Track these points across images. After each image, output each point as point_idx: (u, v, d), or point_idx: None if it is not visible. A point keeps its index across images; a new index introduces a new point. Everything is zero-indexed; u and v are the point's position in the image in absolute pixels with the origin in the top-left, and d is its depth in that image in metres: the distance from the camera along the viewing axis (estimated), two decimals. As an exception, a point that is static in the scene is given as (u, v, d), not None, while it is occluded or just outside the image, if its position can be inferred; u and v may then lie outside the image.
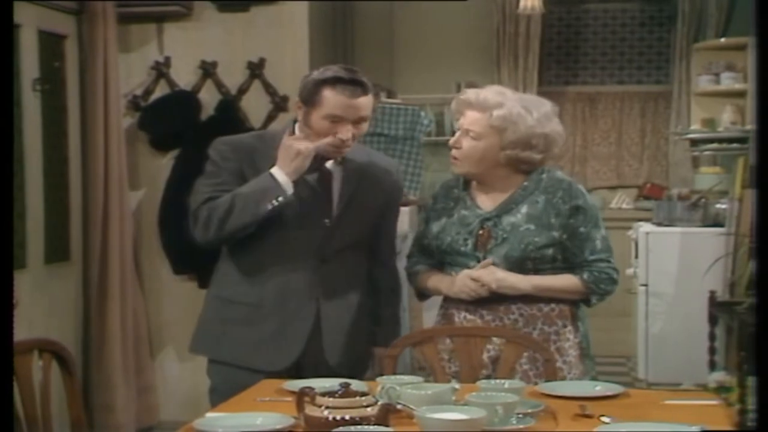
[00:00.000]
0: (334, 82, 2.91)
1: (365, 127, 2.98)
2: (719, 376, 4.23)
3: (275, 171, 2.90)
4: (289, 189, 2.89)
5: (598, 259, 2.98)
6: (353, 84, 2.91)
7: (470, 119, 2.98)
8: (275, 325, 3.00)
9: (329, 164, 3.04)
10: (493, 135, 2.94)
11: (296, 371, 2.94)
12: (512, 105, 2.96)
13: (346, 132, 2.92)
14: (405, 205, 6.52)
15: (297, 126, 3.05)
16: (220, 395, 2.90)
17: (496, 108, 2.94)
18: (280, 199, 2.88)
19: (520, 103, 2.99)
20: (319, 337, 3.02)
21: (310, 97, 2.93)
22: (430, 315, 6.71)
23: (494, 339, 2.94)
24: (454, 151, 3.02)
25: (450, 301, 3.06)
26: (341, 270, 3.06)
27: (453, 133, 3.08)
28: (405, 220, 6.37)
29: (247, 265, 3.05)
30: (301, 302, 3.01)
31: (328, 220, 3.01)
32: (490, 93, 2.99)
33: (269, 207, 2.88)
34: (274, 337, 2.99)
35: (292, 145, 2.89)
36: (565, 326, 3.01)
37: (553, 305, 2.99)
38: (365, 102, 2.94)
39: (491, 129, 2.94)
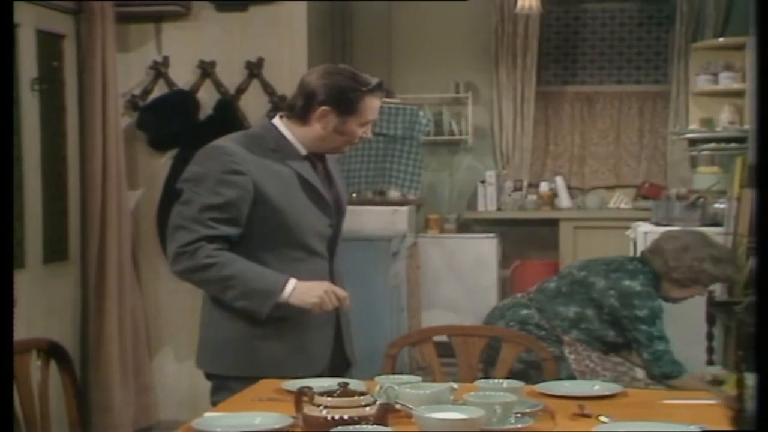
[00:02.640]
0: (374, 90, 2.91)
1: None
2: (715, 370, 4.23)
3: (291, 284, 2.82)
4: (290, 299, 2.81)
5: None
6: (381, 88, 2.94)
7: None
8: (303, 333, 2.91)
9: (319, 163, 3.02)
10: None
11: (331, 374, 2.87)
12: None
13: (368, 131, 2.96)
14: (404, 204, 6.53)
15: (281, 122, 2.95)
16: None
17: None
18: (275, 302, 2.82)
19: None
20: (341, 339, 3.01)
21: (349, 105, 2.87)
22: (428, 314, 6.73)
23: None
24: None
25: None
26: (341, 266, 3.08)
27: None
28: (404, 220, 6.37)
29: None
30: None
31: (332, 219, 3.01)
32: None
33: (266, 311, 2.82)
34: (303, 347, 2.92)
35: (324, 290, 2.82)
36: None
37: None
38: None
39: None
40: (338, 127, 2.89)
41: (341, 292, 2.85)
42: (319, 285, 2.84)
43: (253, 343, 2.90)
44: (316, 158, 3.00)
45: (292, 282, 2.82)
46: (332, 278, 2.99)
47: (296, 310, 2.84)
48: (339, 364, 2.97)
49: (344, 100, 2.86)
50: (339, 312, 2.98)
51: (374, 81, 2.91)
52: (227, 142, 2.93)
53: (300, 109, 2.91)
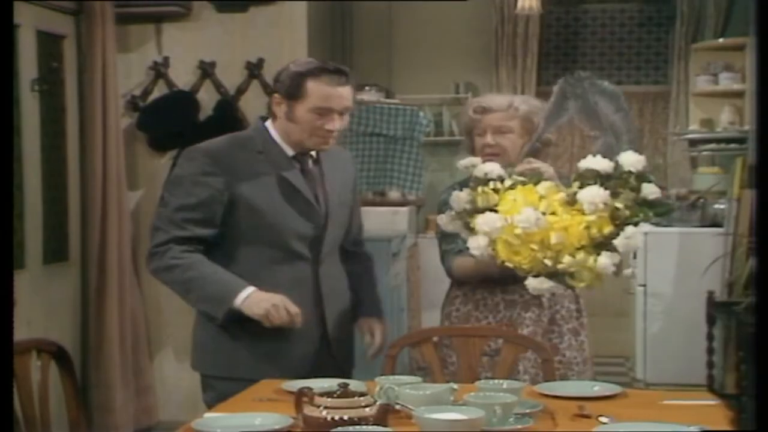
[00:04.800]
0: (318, 72, 2.85)
1: (347, 118, 2.94)
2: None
3: (246, 292, 2.81)
4: (241, 307, 2.81)
5: None
6: (337, 73, 2.87)
7: (496, 119, 3.16)
8: (286, 336, 2.90)
9: (310, 163, 2.99)
10: (522, 126, 3.16)
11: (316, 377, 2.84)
12: (524, 97, 3.30)
13: (333, 123, 2.87)
14: (404, 205, 6.53)
15: (271, 124, 2.97)
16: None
17: (514, 103, 3.18)
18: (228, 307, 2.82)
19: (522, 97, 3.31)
20: (328, 343, 2.99)
21: (293, 90, 2.85)
22: (428, 315, 6.72)
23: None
24: (489, 149, 3.14)
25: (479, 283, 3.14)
26: (334, 269, 3.05)
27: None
28: (404, 221, 6.38)
29: (246, 278, 2.91)
30: (306, 310, 2.90)
31: (317, 222, 2.96)
32: (496, 96, 3.30)
33: (221, 316, 2.85)
34: (287, 349, 2.92)
35: (273, 303, 2.79)
36: (582, 304, 3.22)
37: None
38: (349, 91, 2.90)
39: (519, 120, 3.16)
40: (288, 114, 2.89)
41: (293, 308, 2.80)
42: (271, 297, 2.80)
43: (233, 343, 2.93)
44: (307, 159, 2.98)
45: (248, 290, 2.82)
46: (317, 282, 2.96)
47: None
48: (327, 368, 2.90)
49: (289, 84, 2.87)
50: (326, 314, 2.97)
51: (323, 65, 2.88)
52: (210, 143, 2.97)
53: (268, 104, 3.00)
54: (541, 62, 7.91)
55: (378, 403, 2.19)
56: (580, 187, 2.74)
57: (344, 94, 2.88)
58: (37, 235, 4.80)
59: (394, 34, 7.86)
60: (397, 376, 2.61)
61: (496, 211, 2.76)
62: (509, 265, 2.77)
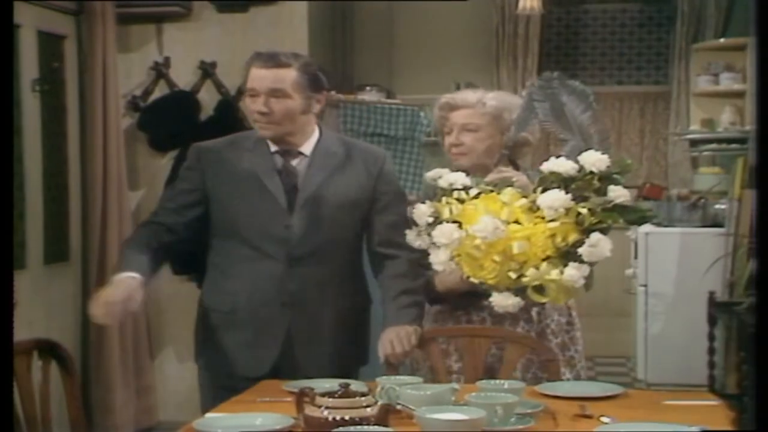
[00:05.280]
0: (254, 58, 2.95)
1: (290, 104, 2.89)
2: None
3: (112, 281, 2.80)
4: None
5: None
6: (268, 57, 2.93)
7: (462, 116, 3.01)
8: (248, 332, 2.95)
9: (295, 162, 2.96)
10: (491, 123, 2.98)
11: (276, 376, 2.86)
12: (496, 93, 3.06)
13: (256, 104, 2.90)
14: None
15: None
16: (206, 398, 2.94)
17: (484, 99, 3.00)
18: None
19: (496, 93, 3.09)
20: (291, 344, 2.95)
21: (243, 81, 2.97)
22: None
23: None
24: (456, 149, 3.02)
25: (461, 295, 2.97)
26: (316, 272, 2.95)
27: (437, 136, 3.08)
28: (404, 221, 6.37)
29: (219, 272, 3.02)
30: (271, 309, 2.93)
31: (285, 222, 2.92)
32: (467, 92, 3.09)
33: None
34: (248, 345, 2.95)
35: (99, 300, 2.75)
36: (575, 317, 3.06)
37: None
38: (278, 74, 2.89)
39: (488, 117, 2.98)
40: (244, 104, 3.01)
41: (95, 309, 2.72)
42: (107, 293, 2.75)
43: (209, 335, 3.02)
44: (291, 156, 2.96)
45: (114, 279, 2.80)
46: (289, 284, 2.92)
47: (227, 306, 2.97)
48: (287, 370, 2.89)
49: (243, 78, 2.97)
50: (292, 316, 2.93)
51: (263, 52, 2.97)
52: (210, 141, 3.09)
53: None
54: (542, 62, 7.90)
55: (379, 403, 2.19)
56: (543, 192, 2.57)
57: (270, 75, 2.90)
58: (38, 235, 4.80)
59: (394, 34, 7.86)
60: (398, 377, 2.61)
61: (460, 223, 2.60)
62: (473, 281, 2.61)
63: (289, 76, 2.90)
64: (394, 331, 2.87)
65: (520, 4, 6.49)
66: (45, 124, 4.88)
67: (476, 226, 2.52)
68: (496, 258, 2.53)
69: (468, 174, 2.94)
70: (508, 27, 7.76)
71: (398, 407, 2.24)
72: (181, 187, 3.05)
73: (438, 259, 2.65)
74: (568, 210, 2.52)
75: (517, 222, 2.54)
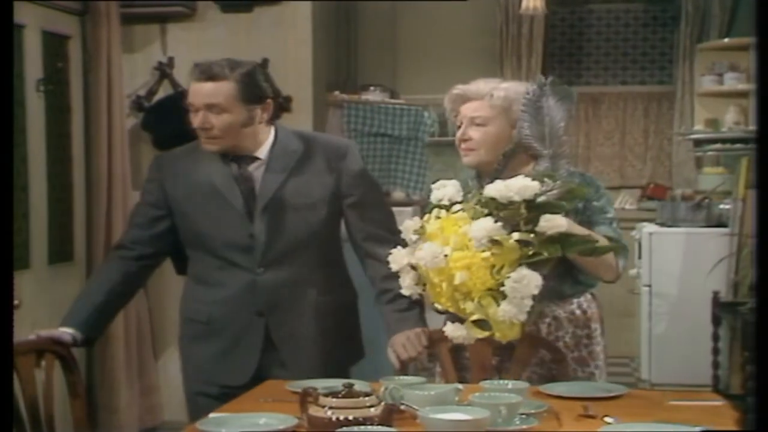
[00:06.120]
0: (192, 70, 2.89)
1: (228, 119, 2.81)
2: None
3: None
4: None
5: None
6: (202, 69, 2.84)
7: (471, 109, 2.87)
8: (226, 342, 2.95)
9: (252, 167, 2.89)
10: (499, 116, 2.82)
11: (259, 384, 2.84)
12: (507, 85, 2.89)
13: (196, 119, 2.84)
14: (408, 205, 6.52)
15: None
16: (194, 407, 3.00)
17: (493, 91, 2.85)
18: None
19: (510, 84, 2.93)
20: (274, 350, 2.93)
21: None
22: (433, 314, 6.71)
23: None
24: (464, 144, 2.87)
25: None
26: (290, 275, 2.90)
27: (455, 133, 2.99)
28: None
29: (195, 282, 3.04)
30: (246, 317, 2.91)
31: (246, 230, 2.87)
32: (479, 82, 2.92)
33: None
34: (226, 354, 2.95)
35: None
36: (596, 329, 2.91)
37: (585, 306, 2.91)
38: (213, 88, 2.80)
39: (496, 110, 2.83)
40: None
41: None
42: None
43: (187, 344, 3.14)
44: (246, 161, 2.91)
45: (50, 331, 2.84)
46: (261, 292, 2.89)
47: (204, 317, 3.00)
48: (275, 376, 2.88)
49: None
50: (269, 323, 2.91)
51: (200, 63, 2.91)
52: (174, 150, 3.10)
53: None
54: (546, 62, 7.90)
55: (383, 403, 2.19)
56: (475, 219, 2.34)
57: (202, 89, 2.82)
58: (42, 235, 4.81)
59: (398, 34, 7.86)
60: (401, 377, 2.61)
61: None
62: (438, 307, 2.49)
63: (223, 89, 2.81)
64: (404, 336, 2.87)
65: (524, 4, 6.49)
66: (49, 124, 4.88)
67: (419, 252, 2.39)
68: (444, 287, 2.40)
69: (477, 175, 2.91)
70: (512, 27, 7.76)
71: (402, 407, 2.24)
72: (146, 200, 3.02)
73: (404, 284, 2.57)
74: (499, 241, 2.30)
75: (464, 248, 2.35)
